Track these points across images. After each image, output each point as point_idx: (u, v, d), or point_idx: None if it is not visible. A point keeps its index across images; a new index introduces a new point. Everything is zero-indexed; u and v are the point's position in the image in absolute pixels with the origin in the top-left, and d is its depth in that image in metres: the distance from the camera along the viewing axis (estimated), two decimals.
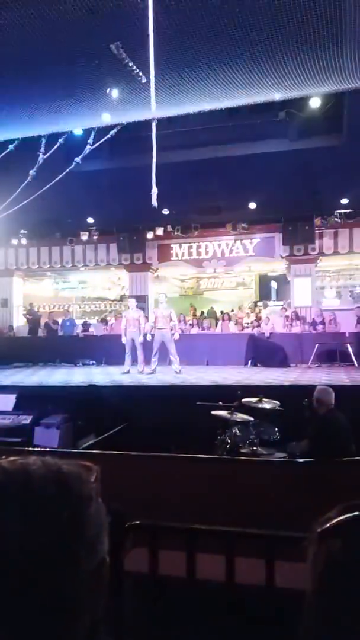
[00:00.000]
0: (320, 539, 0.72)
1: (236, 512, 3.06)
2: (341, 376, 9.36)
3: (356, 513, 0.72)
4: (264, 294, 18.72)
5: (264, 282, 18.86)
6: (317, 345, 11.73)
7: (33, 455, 0.73)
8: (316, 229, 14.28)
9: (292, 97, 8.04)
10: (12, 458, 0.73)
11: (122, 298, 19.48)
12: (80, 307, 20.95)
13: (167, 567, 2.31)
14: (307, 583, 0.72)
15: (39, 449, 5.04)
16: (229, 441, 5.25)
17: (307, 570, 0.72)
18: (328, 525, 0.72)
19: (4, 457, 0.74)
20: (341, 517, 0.72)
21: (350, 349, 11.43)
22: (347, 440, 4.65)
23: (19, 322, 17.04)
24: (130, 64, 6.52)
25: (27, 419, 6.46)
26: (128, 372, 10.29)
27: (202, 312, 17.53)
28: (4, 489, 0.67)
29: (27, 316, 16.24)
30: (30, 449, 5.07)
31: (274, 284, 18.76)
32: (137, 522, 2.28)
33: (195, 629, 2.24)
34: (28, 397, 7.20)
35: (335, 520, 0.72)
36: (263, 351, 12.09)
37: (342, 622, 0.67)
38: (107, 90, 7.13)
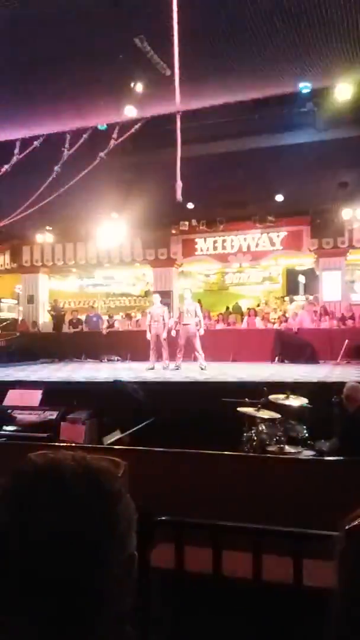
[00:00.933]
0: (348, 536, 0.71)
1: (263, 510, 3.00)
2: None
3: None
4: (292, 288, 18.47)
5: (291, 277, 18.60)
6: (346, 341, 11.50)
7: (61, 449, 0.73)
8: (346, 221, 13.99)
9: (319, 86, 7.88)
10: (41, 452, 0.74)
11: (146, 294, 19.52)
12: (105, 303, 21.09)
13: (193, 563, 2.28)
14: (334, 581, 0.71)
15: (65, 444, 5.06)
16: (255, 438, 5.19)
17: (334, 568, 0.72)
18: (357, 522, 0.72)
19: (31, 450, 0.76)
20: None
21: None
22: None
23: (45, 319, 17.23)
24: (155, 57, 6.48)
25: (53, 415, 6.51)
26: (153, 368, 10.29)
27: (227, 308, 17.42)
28: (35, 484, 0.68)
29: (52, 312, 16.44)
30: (57, 444, 5.11)
31: (301, 278, 18.48)
32: (163, 518, 2.26)
33: (221, 625, 2.21)
34: (54, 393, 7.26)
35: None
36: (290, 347, 11.92)
37: None
38: (132, 85, 7.10)
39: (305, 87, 7.48)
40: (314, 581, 2.13)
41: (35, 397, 6.95)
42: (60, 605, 0.64)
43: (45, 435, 5.98)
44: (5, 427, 5.96)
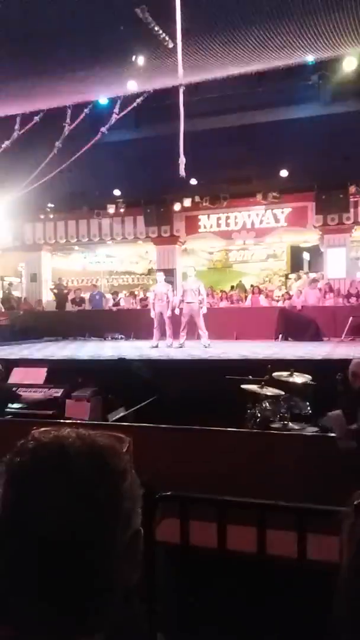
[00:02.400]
0: (357, 511, 0.72)
1: (267, 485, 3.03)
2: None
3: None
4: (296, 265, 18.36)
5: (295, 254, 18.47)
6: (351, 318, 11.46)
7: (65, 427, 0.73)
8: (351, 197, 13.82)
9: (325, 58, 7.68)
10: (44, 429, 0.73)
11: (149, 272, 19.45)
12: (108, 282, 21.05)
13: (197, 537, 2.30)
14: (341, 555, 0.72)
15: (70, 421, 5.11)
16: (259, 415, 5.21)
17: (342, 543, 0.73)
18: None
19: (35, 427, 0.74)
20: None
21: None
22: None
23: (48, 297, 17.24)
24: (157, 28, 6.32)
25: (58, 392, 6.56)
26: (157, 346, 10.31)
27: (232, 287, 17.38)
28: (40, 463, 0.68)
29: (54, 290, 16.44)
30: (62, 421, 5.15)
31: (306, 256, 18.36)
32: (168, 493, 2.28)
33: (226, 598, 2.24)
34: (59, 371, 7.29)
35: None
36: (294, 325, 11.90)
37: None
38: (133, 58, 6.94)
39: (310, 59, 7.30)
40: (319, 555, 2.16)
41: (40, 374, 6.98)
42: (67, 581, 0.64)
43: (50, 412, 6.03)
44: (10, 405, 6.00)
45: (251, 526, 2.20)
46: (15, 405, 6.06)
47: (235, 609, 2.22)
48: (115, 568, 0.68)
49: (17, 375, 7.04)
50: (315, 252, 16.90)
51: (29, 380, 6.86)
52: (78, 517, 0.65)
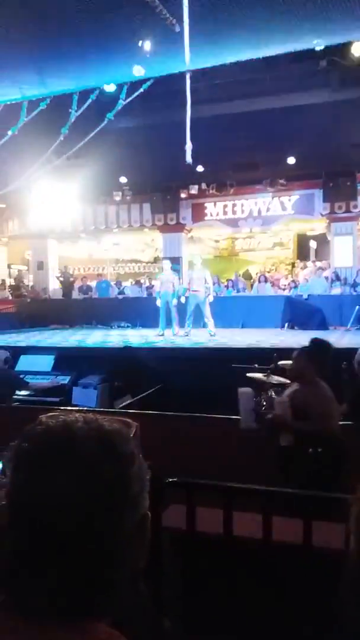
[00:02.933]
0: None
1: (272, 473, 3.05)
2: None
3: None
4: (303, 254, 18.26)
5: (302, 242, 18.36)
6: (357, 307, 11.43)
7: (73, 412, 0.74)
8: (358, 184, 13.69)
9: (334, 42, 7.55)
10: (52, 414, 0.74)
11: (155, 260, 19.42)
12: (114, 270, 21.04)
13: (204, 524, 2.32)
14: (347, 542, 0.74)
15: (78, 408, 5.15)
16: (264, 403, 5.22)
17: (350, 530, 0.74)
18: None
19: (42, 414, 0.74)
20: None
21: None
22: None
23: (55, 285, 17.26)
24: (163, 12, 6.23)
25: (65, 380, 6.61)
26: (162, 335, 10.33)
27: (239, 275, 17.33)
28: (48, 447, 0.68)
29: (60, 278, 16.45)
30: (70, 408, 5.19)
31: (313, 244, 18.25)
32: (175, 479, 2.30)
33: (231, 583, 2.27)
34: (66, 358, 7.34)
35: None
36: (300, 313, 11.88)
37: None
38: (139, 43, 6.86)
39: (319, 44, 7.18)
40: (324, 542, 2.17)
41: (47, 362, 7.03)
42: (75, 565, 0.65)
43: (57, 399, 6.08)
44: (18, 392, 6.05)
45: (257, 512, 2.22)
46: (23, 393, 6.11)
47: (240, 594, 2.25)
48: (122, 552, 0.69)
49: (25, 363, 7.09)
50: (322, 240, 16.79)
51: (36, 368, 6.91)
52: (86, 501, 0.66)
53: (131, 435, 0.75)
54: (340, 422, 3.62)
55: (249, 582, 2.17)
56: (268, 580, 2.20)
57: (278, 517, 2.23)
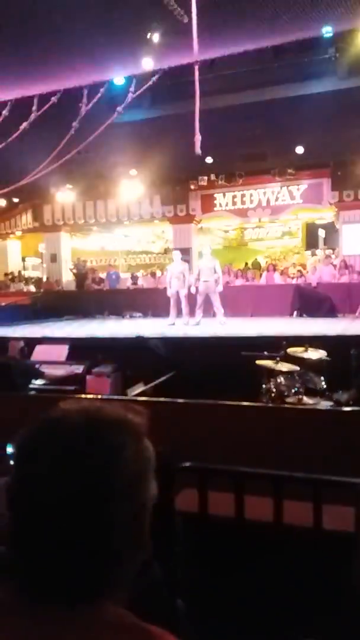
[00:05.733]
0: None
1: (282, 458, 3.13)
2: None
3: None
4: (311, 242, 18.20)
5: (311, 231, 18.29)
6: None
7: (86, 400, 0.78)
8: None
9: (342, 30, 7.50)
10: (62, 402, 0.77)
11: (166, 251, 19.47)
12: (125, 261, 21.14)
13: (216, 508, 2.41)
14: (358, 525, 0.74)
15: (92, 396, 5.26)
16: (274, 390, 5.29)
17: (358, 513, 0.74)
18: None
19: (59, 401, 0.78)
20: None
21: None
22: None
23: (68, 277, 17.43)
24: (171, 3, 6.24)
25: (79, 369, 6.71)
26: (173, 324, 10.41)
27: (246, 264, 17.33)
28: (36, 438, 0.72)
29: (73, 270, 16.60)
30: (84, 396, 5.31)
31: (321, 232, 18.17)
32: (187, 465, 2.38)
33: (242, 566, 2.34)
34: (80, 348, 7.43)
35: None
36: (309, 301, 11.88)
37: None
38: (148, 35, 6.88)
39: (327, 31, 7.15)
40: (334, 525, 2.25)
41: (61, 352, 7.12)
42: (66, 557, 0.67)
43: (72, 388, 6.19)
44: (34, 381, 6.17)
45: (268, 497, 2.29)
46: (39, 382, 6.24)
47: (251, 577, 2.33)
48: (116, 540, 0.69)
49: (40, 353, 7.21)
50: (331, 228, 16.72)
51: (51, 357, 7.02)
52: (69, 489, 0.67)
53: (139, 423, 0.75)
54: (349, 408, 3.69)
55: (260, 564, 2.25)
56: (279, 562, 2.27)
57: (289, 500, 2.30)
